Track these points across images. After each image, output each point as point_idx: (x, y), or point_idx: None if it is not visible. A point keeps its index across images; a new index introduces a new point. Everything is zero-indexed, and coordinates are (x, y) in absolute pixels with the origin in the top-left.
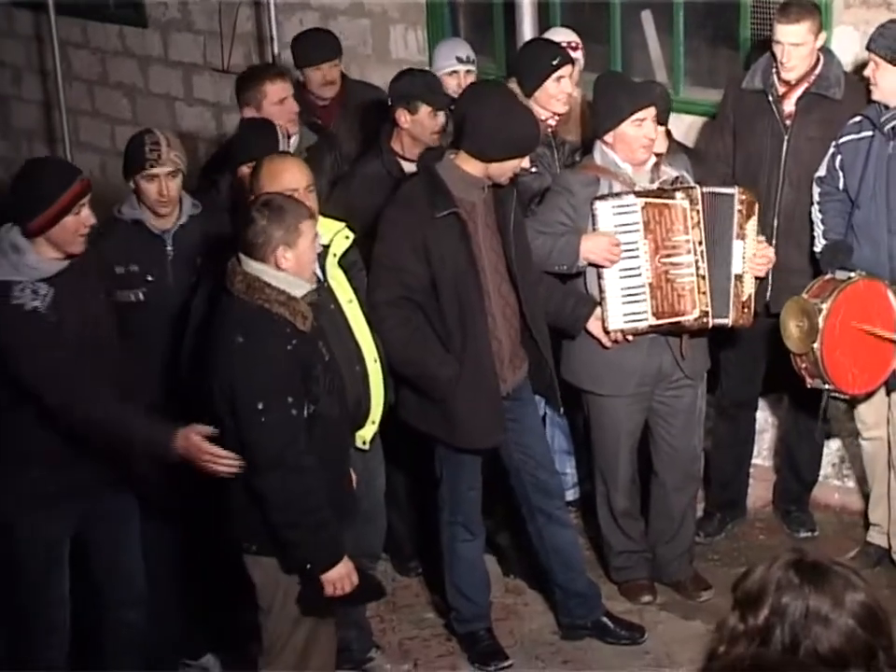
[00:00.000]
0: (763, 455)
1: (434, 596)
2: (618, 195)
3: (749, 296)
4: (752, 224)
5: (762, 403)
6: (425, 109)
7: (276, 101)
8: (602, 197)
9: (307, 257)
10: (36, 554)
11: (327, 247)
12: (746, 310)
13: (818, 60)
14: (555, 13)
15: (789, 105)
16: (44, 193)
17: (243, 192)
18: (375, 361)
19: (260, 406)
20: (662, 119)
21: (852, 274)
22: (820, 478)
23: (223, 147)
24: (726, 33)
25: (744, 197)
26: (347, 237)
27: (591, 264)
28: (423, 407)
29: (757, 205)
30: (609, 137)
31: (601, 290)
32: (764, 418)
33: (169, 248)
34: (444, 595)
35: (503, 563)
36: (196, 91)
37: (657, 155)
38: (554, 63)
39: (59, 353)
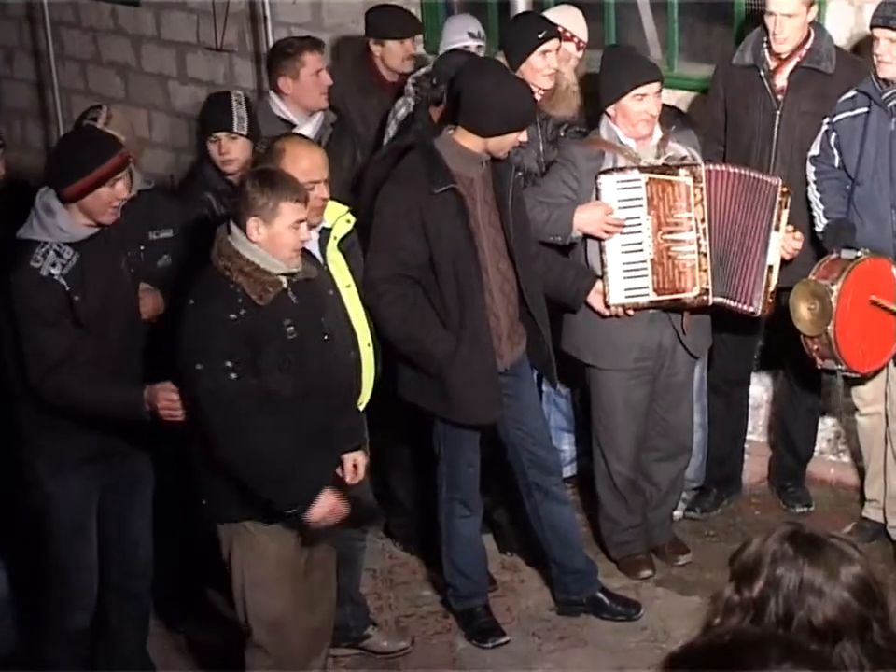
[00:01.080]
0: (758, 430)
1: (431, 573)
2: (622, 170)
3: (776, 285)
4: (786, 215)
5: (757, 379)
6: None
7: (313, 72)
8: (607, 171)
9: (285, 239)
10: (69, 516)
11: (329, 230)
12: (770, 300)
13: (808, 34)
14: None
15: (780, 80)
16: (84, 162)
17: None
18: (368, 346)
19: (199, 367)
20: None
21: (858, 253)
22: (816, 453)
23: None
24: (720, 9)
25: (785, 189)
26: (349, 221)
27: (589, 237)
28: (421, 383)
29: (790, 198)
30: (611, 111)
31: (603, 265)
32: (760, 394)
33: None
34: (441, 571)
35: (500, 540)
36: (189, 69)
37: (664, 131)
38: (540, 36)
39: (57, 329)
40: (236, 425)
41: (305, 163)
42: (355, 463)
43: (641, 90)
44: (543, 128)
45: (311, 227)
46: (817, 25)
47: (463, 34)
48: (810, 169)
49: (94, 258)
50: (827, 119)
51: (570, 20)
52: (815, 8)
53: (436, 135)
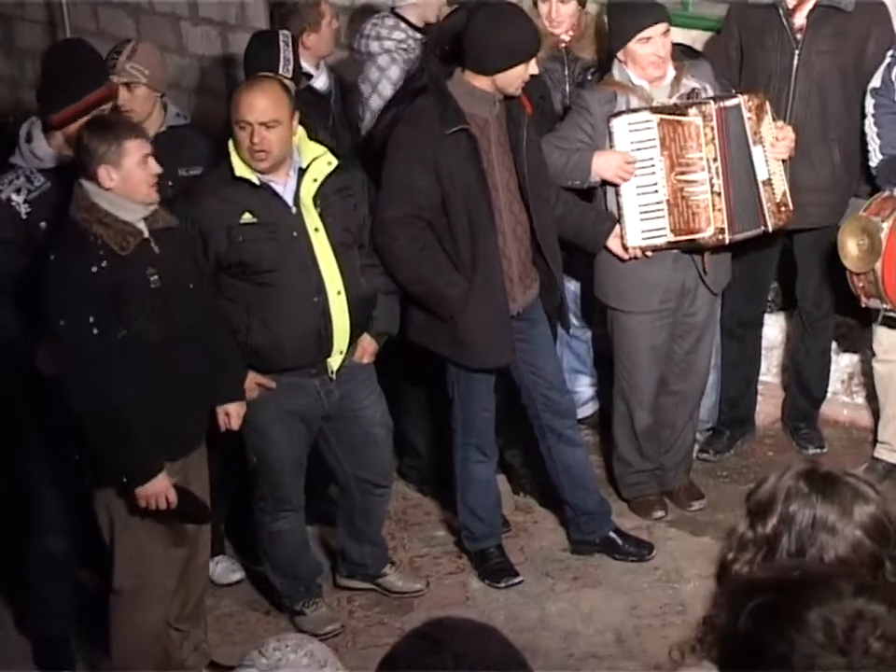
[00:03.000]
0: (772, 372)
1: (444, 514)
2: (634, 111)
3: (784, 193)
4: (767, 123)
5: (770, 320)
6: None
7: (330, 21)
8: (618, 114)
9: (136, 177)
10: None
11: (305, 171)
12: (784, 208)
13: None
14: None
15: (800, 19)
16: (67, 91)
17: None
18: (339, 293)
19: (62, 323)
20: None
21: None
22: (829, 394)
23: None
24: None
25: (751, 103)
26: (330, 163)
27: (606, 182)
28: (432, 327)
29: (767, 104)
30: (620, 55)
31: (619, 207)
32: (774, 335)
33: None
34: (455, 512)
35: (513, 481)
36: (201, 9)
37: (678, 68)
38: None
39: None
40: (95, 382)
41: (249, 101)
42: (227, 412)
43: (646, 32)
44: (571, 70)
45: (262, 170)
46: None
47: None
48: (869, 102)
49: (68, 188)
50: (891, 52)
51: None
52: None
53: (448, 77)
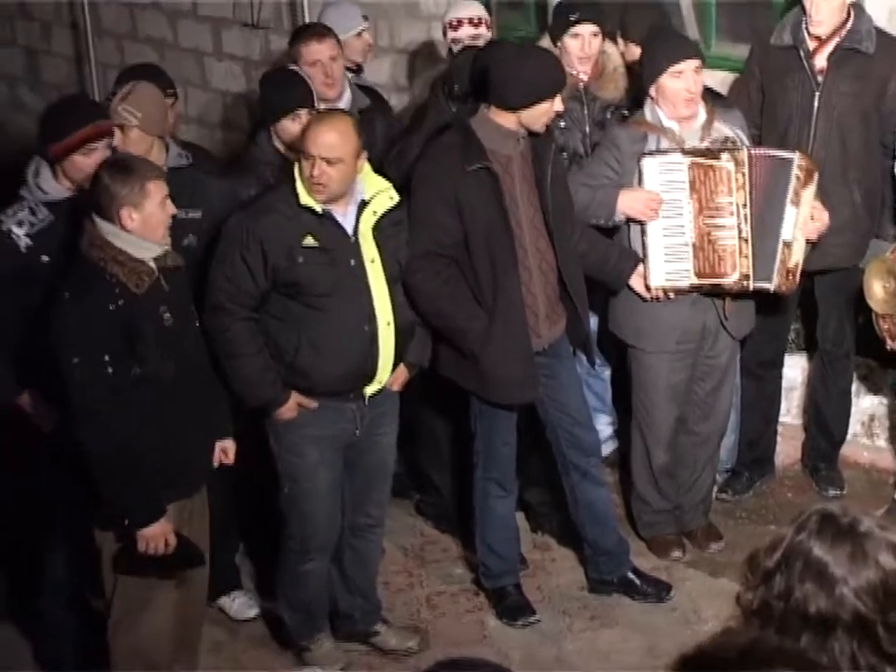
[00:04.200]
0: (792, 412)
1: (462, 551)
2: (665, 152)
3: (797, 264)
4: (809, 192)
5: (790, 361)
6: None
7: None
8: (650, 153)
9: (156, 218)
10: None
11: (367, 203)
12: (791, 277)
13: (848, 15)
14: None
15: (820, 61)
16: (57, 127)
17: (284, 145)
18: (389, 324)
19: (75, 361)
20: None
21: None
22: (850, 436)
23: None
24: None
25: (803, 163)
26: (392, 198)
27: (632, 220)
28: (457, 361)
29: (816, 174)
30: (652, 92)
31: (644, 247)
32: (794, 376)
33: None
34: (472, 549)
35: (531, 519)
36: (225, 45)
37: (709, 112)
38: (572, 18)
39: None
40: (106, 421)
41: (315, 135)
42: (224, 449)
43: (678, 66)
44: (590, 109)
45: (318, 201)
46: (856, 6)
47: (357, 17)
48: None
49: (72, 224)
50: None
51: (476, 6)
52: None
53: (472, 114)
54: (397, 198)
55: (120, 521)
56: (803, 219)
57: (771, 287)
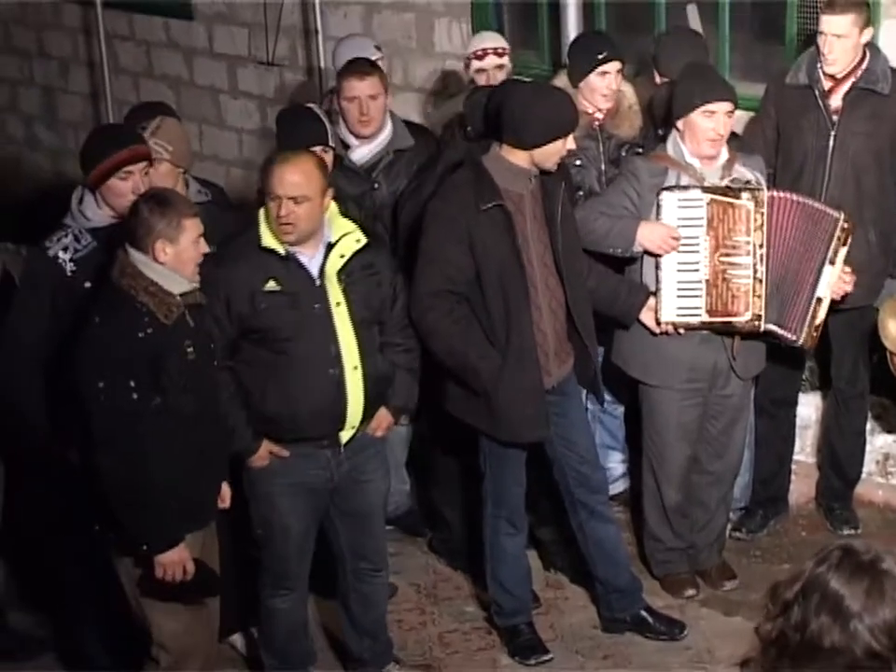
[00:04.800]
0: (806, 451)
1: (475, 589)
2: (685, 188)
3: (822, 322)
4: (843, 252)
5: (805, 399)
6: None
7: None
8: (670, 188)
9: (188, 254)
10: None
11: (333, 246)
12: (815, 333)
13: (864, 55)
14: (600, 6)
15: (836, 101)
16: (94, 153)
17: None
18: (356, 369)
19: (101, 385)
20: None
21: None
22: (864, 475)
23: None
24: (772, 27)
25: (846, 225)
26: (358, 240)
27: (647, 253)
28: (467, 400)
29: (851, 237)
30: (680, 125)
31: (657, 281)
32: (808, 415)
33: None
34: (485, 587)
35: (544, 557)
36: (241, 83)
37: (731, 153)
38: (600, 57)
39: (34, 315)
40: (127, 446)
41: (281, 176)
42: (222, 494)
43: (712, 106)
44: (605, 147)
45: (287, 242)
46: (872, 46)
47: (370, 49)
48: None
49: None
50: None
51: (497, 37)
52: (870, 30)
53: (484, 152)
54: (364, 240)
55: (138, 546)
56: (834, 279)
57: (799, 342)
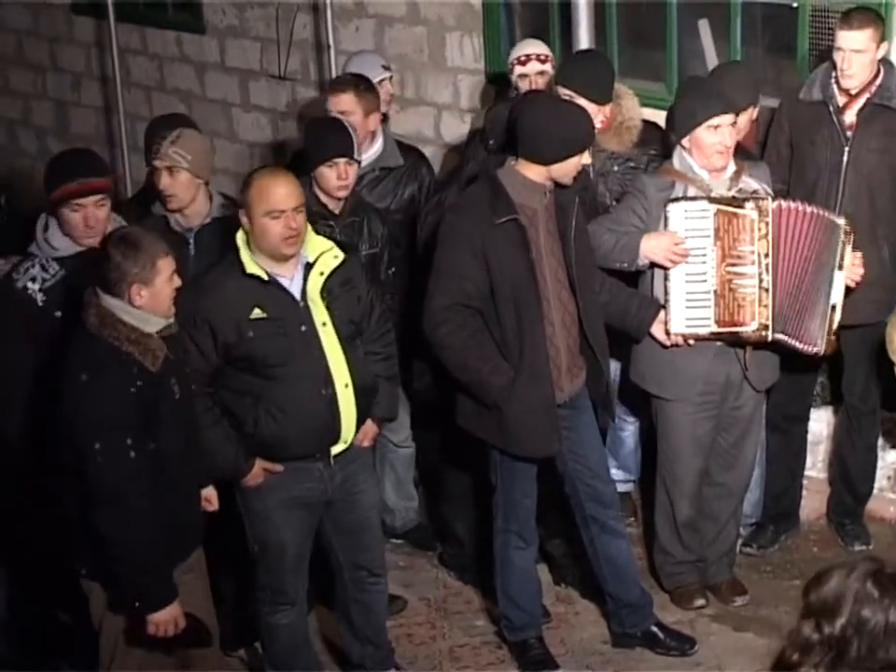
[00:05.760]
0: (817, 466)
1: (485, 603)
2: (691, 199)
3: (837, 323)
4: (849, 255)
5: (816, 415)
6: None
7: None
8: (675, 199)
9: (164, 293)
10: None
11: (311, 265)
12: (832, 338)
13: (878, 71)
14: (612, 19)
15: (850, 116)
16: (47, 181)
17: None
18: (346, 386)
19: (97, 446)
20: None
21: None
22: (875, 490)
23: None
24: (784, 42)
25: (848, 228)
26: (336, 256)
27: (655, 265)
28: (479, 413)
29: (853, 236)
30: (685, 142)
31: (666, 293)
32: (820, 430)
33: (191, 246)
34: (496, 602)
35: (554, 571)
36: (253, 97)
37: (738, 164)
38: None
39: (18, 346)
40: (128, 506)
41: (274, 194)
42: (207, 498)
43: (716, 120)
44: (596, 159)
45: (284, 258)
46: (886, 62)
47: (377, 68)
48: None
49: (82, 278)
50: None
51: (539, 44)
52: (885, 46)
53: (499, 166)
54: (342, 256)
55: (132, 604)
56: (843, 281)
57: (821, 351)
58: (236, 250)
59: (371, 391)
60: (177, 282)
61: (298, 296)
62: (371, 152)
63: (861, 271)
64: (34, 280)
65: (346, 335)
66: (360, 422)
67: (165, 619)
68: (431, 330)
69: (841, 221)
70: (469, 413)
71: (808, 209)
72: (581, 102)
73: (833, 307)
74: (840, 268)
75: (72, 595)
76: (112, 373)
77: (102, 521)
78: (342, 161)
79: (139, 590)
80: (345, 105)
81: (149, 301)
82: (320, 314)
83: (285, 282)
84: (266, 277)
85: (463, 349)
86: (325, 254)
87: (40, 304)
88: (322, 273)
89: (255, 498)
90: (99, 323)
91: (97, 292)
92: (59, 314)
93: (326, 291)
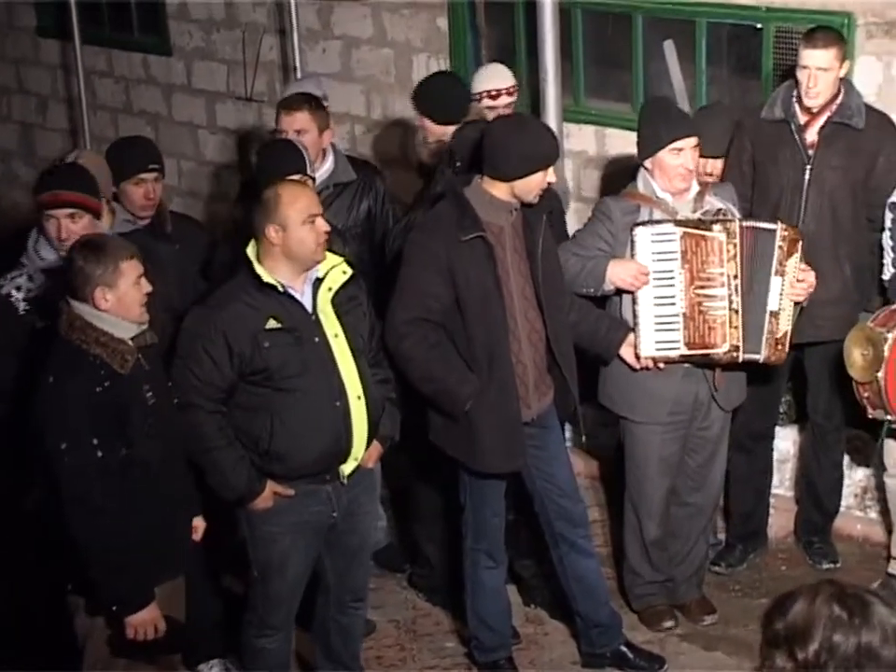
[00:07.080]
0: (784, 485)
1: (455, 625)
2: (658, 223)
3: (785, 333)
4: (794, 261)
5: (782, 433)
6: None
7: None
8: (643, 223)
9: (131, 297)
10: None
11: (321, 280)
12: (780, 346)
13: (839, 89)
14: (578, 40)
15: (811, 135)
16: (34, 190)
17: None
18: (359, 398)
19: (63, 446)
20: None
21: None
22: (843, 508)
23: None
24: (749, 62)
25: (786, 233)
26: (345, 272)
27: (621, 291)
28: (447, 428)
29: (800, 242)
30: (648, 164)
31: (635, 316)
32: (787, 448)
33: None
34: (465, 623)
35: (524, 592)
36: (219, 118)
37: (702, 184)
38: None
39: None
40: (96, 507)
41: (303, 200)
42: (194, 527)
43: (679, 143)
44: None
45: (316, 264)
46: (846, 81)
47: (319, 91)
48: (888, 216)
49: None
50: None
51: (508, 76)
52: (847, 64)
53: (466, 184)
54: (350, 272)
55: (109, 607)
56: (789, 287)
57: (760, 357)
58: (249, 263)
59: (381, 407)
60: (146, 287)
61: (309, 309)
62: (323, 170)
63: (812, 280)
64: (18, 289)
65: (357, 348)
66: (371, 436)
67: (143, 621)
68: (395, 344)
69: (776, 227)
70: (437, 427)
71: (748, 224)
72: (427, 123)
73: (773, 313)
74: (779, 274)
75: (57, 611)
76: (78, 374)
77: (71, 521)
78: (297, 177)
79: (114, 592)
80: (300, 123)
81: (116, 305)
82: (332, 325)
83: (296, 295)
84: (281, 289)
85: (427, 360)
86: (334, 269)
87: (21, 313)
88: (330, 289)
89: (262, 522)
90: (68, 327)
91: (67, 300)
92: (41, 324)
93: (336, 305)
